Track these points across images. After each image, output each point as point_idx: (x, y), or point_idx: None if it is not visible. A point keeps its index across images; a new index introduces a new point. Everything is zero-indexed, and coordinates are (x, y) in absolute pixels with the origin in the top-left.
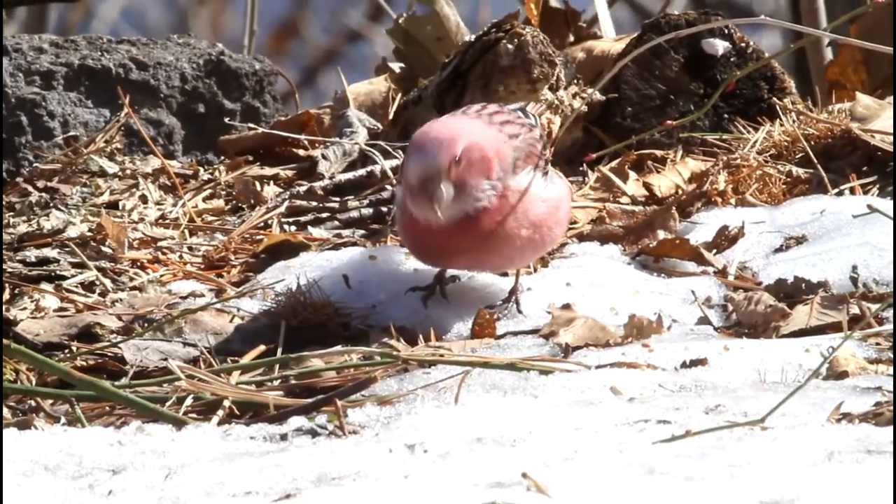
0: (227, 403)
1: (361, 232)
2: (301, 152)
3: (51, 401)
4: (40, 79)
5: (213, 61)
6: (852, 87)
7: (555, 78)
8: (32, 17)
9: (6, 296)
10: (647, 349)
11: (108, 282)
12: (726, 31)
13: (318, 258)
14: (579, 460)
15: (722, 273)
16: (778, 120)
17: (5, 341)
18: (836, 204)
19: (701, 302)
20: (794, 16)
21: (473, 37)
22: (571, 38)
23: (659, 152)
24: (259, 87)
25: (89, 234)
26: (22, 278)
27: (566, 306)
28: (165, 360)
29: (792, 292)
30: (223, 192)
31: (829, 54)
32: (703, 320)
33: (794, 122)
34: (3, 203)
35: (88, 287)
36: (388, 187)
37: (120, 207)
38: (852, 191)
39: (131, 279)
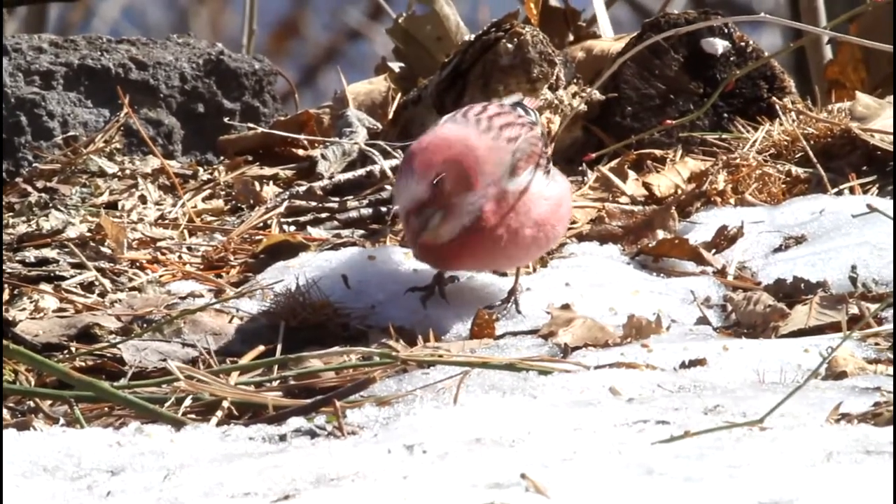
0: (225, 404)
1: (361, 232)
2: (300, 152)
3: (50, 401)
4: (40, 79)
5: (212, 61)
6: (852, 86)
7: (554, 77)
8: (32, 16)
9: (5, 296)
10: (646, 349)
11: (107, 282)
12: (726, 31)
13: (318, 258)
14: (578, 461)
15: (721, 273)
16: (777, 119)
17: (4, 342)
18: (836, 203)
19: (700, 302)
20: (794, 15)
21: (473, 36)
22: (571, 38)
23: (658, 152)
24: (258, 86)
25: (88, 234)
26: (21, 279)
27: (565, 306)
28: (164, 360)
29: (791, 292)
30: (222, 193)
31: (828, 53)
32: (702, 320)
33: (793, 121)
34: (3, 203)
35: (87, 287)
36: (388, 187)
37: (119, 208)
38: (852, 190)
39: (130, 279)
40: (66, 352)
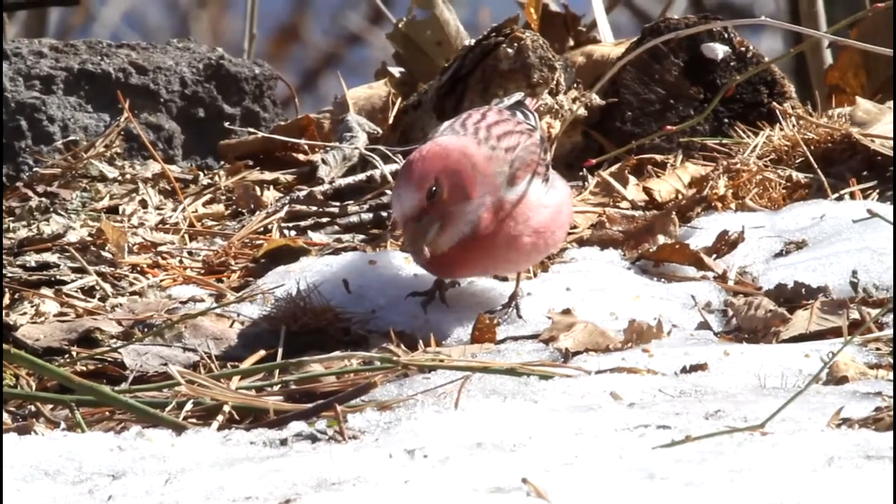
0: (226, 408)
1: (361, 236)
2: (301, 157)
3: (51, 406)
4: (40, 83)
5: (212, 66)
6: (852, 91)
7: (554, 82)
8: (33, 20)
9: (6, 301)
10: (647, 354)
11: (107, 287)
12: (726, 36)
13: (318, 263)
14: (579, 465)
15: (722, 278)
16: (778, 124)
17: (5, 346)
18: (836, 209)
19: (701, 307)
20: (794, 21)
21: (473, 41)
22: (571, 43)
23: (659, 157)
24: (259, 91)
25: (89, 238)
26: (22, 283)
27: (566, 311)
28: (165, 365)
29: (792, 297)
30: (223, 197)
31: (828, 59)
32: (703, 325)
33: (793, 126)
34: (4, 208)
35: (88, 292)
36: (388, 192)
37: (120, 212)
38: (852, 195)
39: (131, 284)
40: (66, 356)
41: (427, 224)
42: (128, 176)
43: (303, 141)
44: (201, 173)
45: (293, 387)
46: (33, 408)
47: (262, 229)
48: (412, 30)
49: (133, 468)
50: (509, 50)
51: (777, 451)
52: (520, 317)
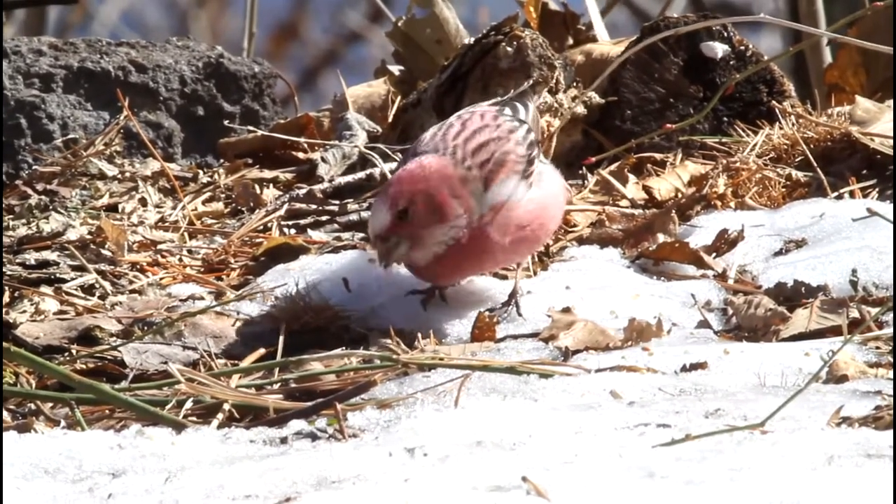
0: (226, 407)
1: (361, 235)
2: (300, 155)
3: (51, 404)
4: (39, 81)
5: (212, 64)
6: (851, 90)
7: (554, 81)
8: (32, 18)
9: (6, 299)
10: (646, 353)
11: (107, 285)
12: (725, 35)
13: (318, 261)
14: (579, 464)
15: (722, 276)
16: (777, 123)
17: (5, 344)
18: (836, 207)
19: (701, 305)
20: (793, 20)
21: (472, 39)
22: (570, 41)
23: (658, 155)
24: (258, 89)
25: (89, 236)
26: (21, 281)
27: (566, 310)
28: (165, 363)
29: (792, 296)
30: (223, 195)
31: (828, 57)
32: (703, 324)
33: (793, 125)
34: (3, 206)
35: (88, 290)
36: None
37: (119, 210)
38: (852, 194)
39: (131, 282)
40: (66, 354)
41: (394, 244)
42: (127, 174)
43: (302, 139)
44: (201, 171)
45: (293, 385)
46: (33, 406)
47: (261, 227)
48: (412, 28)
49: (133, 466)
50: (509, 48)
51: (777, 450)
52: (520, 315)
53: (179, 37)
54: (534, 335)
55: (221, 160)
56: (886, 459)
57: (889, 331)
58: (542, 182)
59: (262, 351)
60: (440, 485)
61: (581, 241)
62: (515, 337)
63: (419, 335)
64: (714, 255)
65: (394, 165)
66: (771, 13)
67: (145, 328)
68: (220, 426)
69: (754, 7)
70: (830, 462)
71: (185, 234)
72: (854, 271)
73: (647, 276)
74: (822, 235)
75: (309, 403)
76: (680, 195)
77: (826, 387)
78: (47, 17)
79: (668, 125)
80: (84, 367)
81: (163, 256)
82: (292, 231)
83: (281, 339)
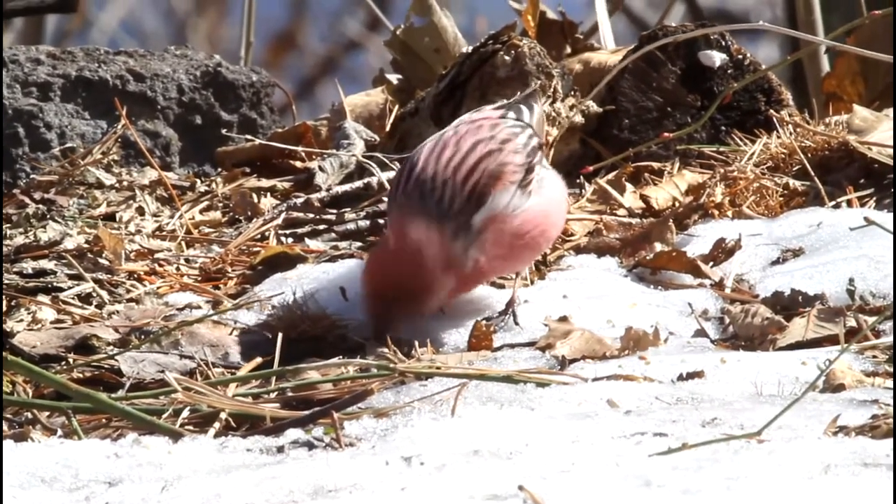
0: (223, 416)
1: (358, 244)
2: (298, 164)
3: (47, 413)
4: (37, 90)
5: (210, 73)
6: (849, 99)
7: (552, 90)
8: (30, 27)
9: (3, 307)
10: (643, 362)
11: (104, 294)
12: (723, 43)
13: (315, 270)
14: (576, 473)
15: (719, 285)
16: (775, 132)
17: (2, 353)
18: (833, 216)
19: (698, 314)
20: (791, 28)
21: (470, 48)
22: (568, 50)
23: (656, 164)
24: (256, 98)
25: (86, 245)
26: (19, 290)
27: (563, 319)
28: (162, 372)
29: (789, 305)
30: (220, 204)
31: (826, 66)
32: (700, 333)
33: (791, 134)
34: (1, 215)
35: (85, 299)
36: (385, 199)
37: (117, 219)
38: (849, 203)
39: (128, 291)
40: (63, 363)
41: (391, 320)
42: (125, 183)
43: (300, 148)
44: (198, 180)
45: (290, 394)
46: (30, 415)
47: (259, 236)
48: (410, 37)
49: (130, 475)
50: (506, 57)
51: (774, 459)
52: (517, 324)
53: (177, 45)
54: (531, 344)
55: (219, 169)
56: (883, 468)
57: (886, 340)
58: (542, 189)
59: (259, 360)
60: (437, 494)
61: (578, 250)
62: (512, 346)
63: (416, 344)
64: (711, 264)
65: (391, 174)
66: (769, 22)
67: (142, 337)
68: (216, 435)
69: (752, 16)
70: (827, 471)
71: (183, 243)
72: (851, 280)
73: (644, 285)
74: (820, 244)
75: (306, 412)
76: (677, 204)
77: (823, 396)
78: (45, 26)
79: (666, 134)
80: (81, 375)
81: (160, 265)
82: (290, 240)
83: (278, 348)
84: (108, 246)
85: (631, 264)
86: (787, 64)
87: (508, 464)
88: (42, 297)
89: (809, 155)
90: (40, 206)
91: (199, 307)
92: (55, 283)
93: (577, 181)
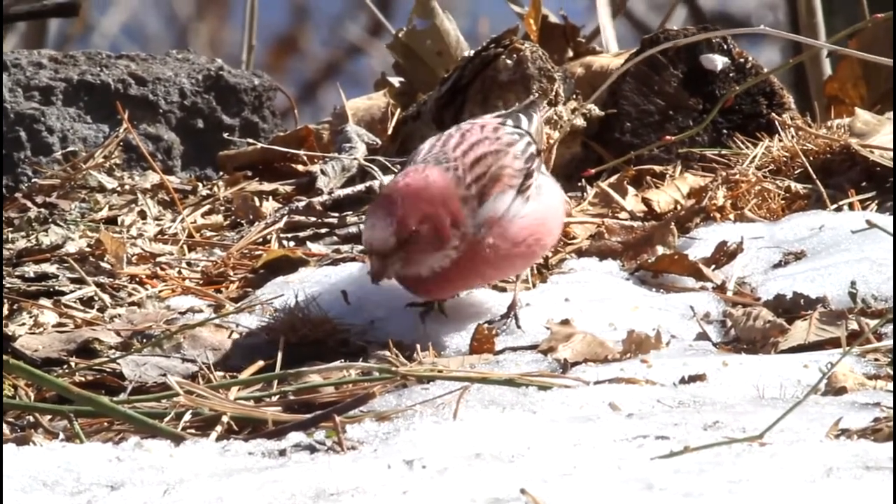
0: (225, 419)
1: (360, 247)
2: (300, 168)
3: (49, 416)
4: (39, 94)
5: (211, 77)
6: (851, 102)
7: (554, 93)
8: (32, 31)
9: (5, 311)
10: (645, 365)
11: (106, 297)
12: (725, 47)
13: (317, 274)
14: (578, 476)
15: (721, 288)
16: (777, 135)
17: (4, 357)
18: (835, 219)
19: (700, 317)
20: (793, 32)
21: (472, 52)
22: (570, 54)
23: (658, 168)
24: (258, 102)
25: (88, 249)
26: (20, 294)
27: (565, 322)
28: (164, 375)
29: (791, 308)
30: (222, 208)
31: (827, 70)
32: (702, 336)
33: (792, 137)
34: (3, 218)
35: (87, 302)
36: None
37: (119, 223)
38: (851, 206)
39: (130, 295)
40: (65, 367)
41: (393, 262)
42: (127, 187)
43: (302, 152)
44: (200, 184)
45: (292, 397)
46: (32, 418)
47: (260, 240)
48: (412, 39)
49: (131, 479)
50: (508, 61)
51: (776, 462)
52: (518, 327)
53: (179, 49)
54: (533, 347)
55: (221, 173)
56: (885, 471)
57: (888, 343)
58: (540, 196)
59: (260, 363)
60: (439, 497)
61: (580, 253)
62: (514, 349)
63: (418, 347)
64: (713, 267)
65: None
66: (771, 26)
67: (144, 340)
68: (218, 438)
69: (754, 19)
70: (829, 474)
71: (185, 247)
72: (853, 283)
73: (646, 289)
74: (822, 247)
75: (308, 416)
76: (679, 207)
77: (825, 399)
78: (48, 30)
79: (668, 137)
80: (83, 379)
81: (162, 269)
82: (291, 243)
83: (280, 351)
84: (109, 249)
85: (633, 267)
86: (789, 67)
87: (510, 467)
88: (44, 301)
89: (811, 158)
90: (42, 209)
91: (200, 311)
92: (57, 287)
93: (579, 184)
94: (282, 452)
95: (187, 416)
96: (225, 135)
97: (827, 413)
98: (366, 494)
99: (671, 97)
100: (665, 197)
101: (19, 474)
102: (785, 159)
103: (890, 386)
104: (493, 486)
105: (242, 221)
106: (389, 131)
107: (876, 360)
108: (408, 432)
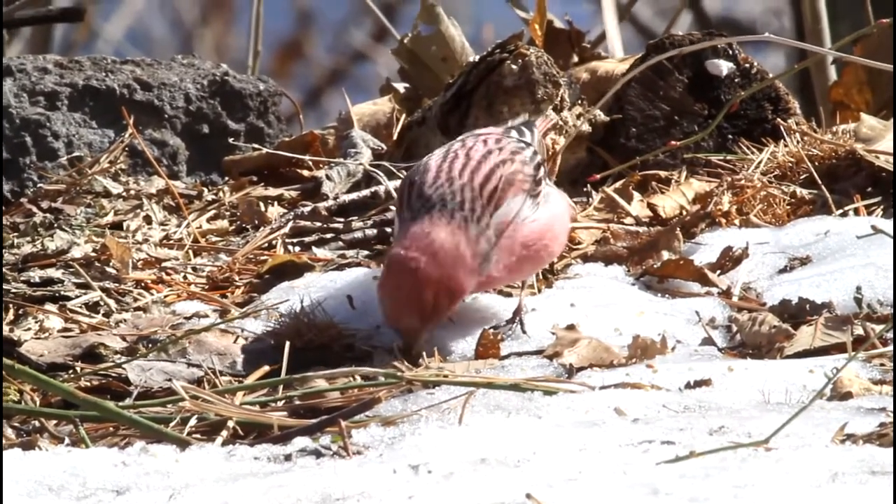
0: (231, 424)
1: (365, 252)
2: (305, 173)
3: (55, 421)
4: (45, 99)
5: (217, 82)
6: (857, 107)
7: (559, 98)
8: (37, 36)
9: (10, 316)
10: (651, 370)
11: (112, 302)
12: (730, 52)
13: (322, 279)
14: (583, 481)
15: (726, 294)
16: (782, 141)
17: (10, 362)
18: (841, 225)
19: (705, 323)
20: (799, 37)
21: (477, 57)
22: (576, 59)
23: (663, 173)
24: (263, 107)
25: (93, 254)
26: (26, 299)
27: (570, 327)
28: (169, 380)
29: (796, 313)
30: (227, 213)
31: (833, 75)
32: (708, 341)
33: (798, 142)
34: (8, 223)
35: (92, 307)
36: (392, 208)
37: (124, 228)
38: (856, 212)
39: (135, 300)
40: (71, 372)
41: (423, 333)
42: (132, 192)
43: (307, 157)
44: (205, 189)
45: (297, 402)
46: (37, 423)
47: (266, 245)
48: (417, 45)
49: (137, 484)
50: (513, 66)
51: (781, 467)
52: (524, 332)
53: (184, 55)
54: (538, 352)
55: (226, 178)
56: (891, 476)
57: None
58: (548, 203)
59: (266, 368)
60: (444, 502)
61: (585, 258)
62: (520, 354)
63: (423, 352)
64: (718, 272)
65: (398, 183)
66: (776, 31)
67: (149, 345)
68: (224, 443)
69: (759, 24)
70: (834, 479)
71: (190, 252)
72: (858, 288)
73: (651, 294)
74: (827, 253)
75: (313, 420)
76: (684, 213)
77: (830, 404)
78: (53, 35)
79: (673, 142)
80: (88, 384)
81: (167, 274)
82: (297, 249)
83: (285, 356)
84: (115, 255)
85: (638, 273)
86: (794, 72)
87: (516, 472)
88: (49, 306)
89: (817, 163)
90: (48, 214)
91: (206, 316)
92: (63, 292)
93: (585, 189)
94: (287, 457)
95: (193, 421)
96: (230, 140)
97: (832, 418)
98: (371, 499)
99: (676, 102)
100: (670, 202)
101: (25, 479)
102: (790, 165)
103: None
104: (499, 491)
105: (248, 226)
106: (395, 136)
107: (881, 365)
108: (413, 437)
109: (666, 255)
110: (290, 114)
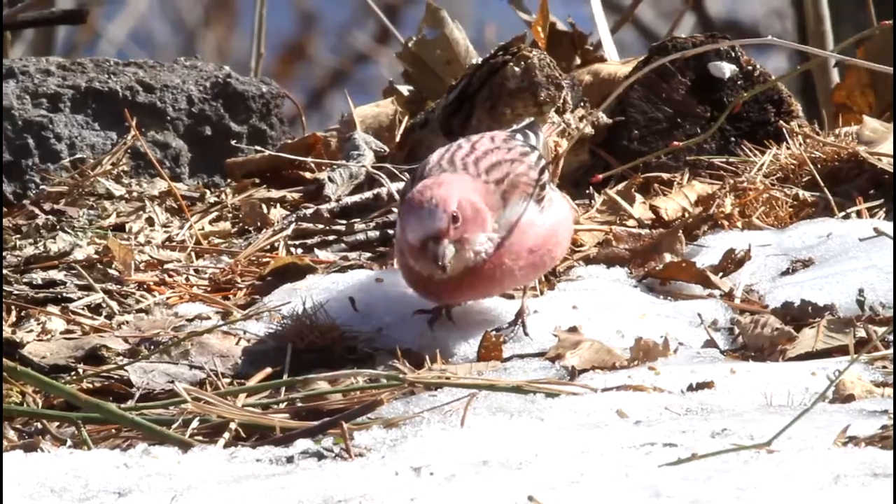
0: (233, 426)
1: (368, 254)
2: (308, 175)
3: (57, 423)
4: (47, 101)
5: (219, 84)
6: (859, 110)
7: (561, 101)
8: (40, 38)
9: (13, 318)
10: (653, 372)
11: (114, 304)
12: (733, 54)
13: (325, 281)
14: (585, 483)
15: (728, 296)
16: (784, 143)
17: (12, 364)
18: (843, 227)
19: (707, 325)
20: (801, 39)
21: (480, 60)
22: (578, 61)
23: (665, 175)
24: (266, 109)
25: (96, 256)
26: (28, 301)
27: (572, 329)
28: (172, 382)
29: (798, 315)
30: (230, 215)
31: (835, 77)
32: (710, 343)
33: (800, 145)
34: (11, 225)
35: (95, 309)
36: (395, 210)
37: (126, 230)
38: (859, 214)
39: (138, 302)
40: (73, 373)
41: (445, 247)
42: (134, 194)
43: (309, 159)
44: (208, 191)
45: (299, 404)
46: (39, 425)
47: (268, 247)
48: (422, 49)
49: (139, 485)
50: (516, 68)
51: (783, 469)
52: (526, 334)
53: (187, 57)
54: (540, 354)
55: (229, 180)
56: (892, 479)
57: None
58: (552, 207)
59: (268, 370)
60: None
61: (588, 260)
62: (522, 356)
63: (426, 355)
64: (721, 274)
65: (401, 185)
66: (779, 33)
67: (152, 347)
68: (226, 445)
69: (762, 26)
70: (837, 481)
71: (192, 254)
72: (861, 291)
73: (653, 296)
74: (829, 255)
75: (315, 423)
76: (687, 215)
77: (832, 406)
78: (55, 37)
79: (676, 144)
80: (90, 386)
81: (170, 276)
82: (299, 250)
83: (287, 358)
84: (117, 256)
85: (640, 275)
86: (796, 74)
87: (518, 474)
88: (52, 308)
89: (819, 166)
90: (50, 216)
91: (208, 318)
92: (65, 294)
93: (587, 192)
94: (289, 459)
95: (195, 423)
96: (233, 142)
97: (835, 420)
98: (373, 501)
99: (679, 105)
100: (673, 204)
101: (27, 481)
102: (793, 167)
103: None
104: (501, 494)
105: (250, 228)
106: (397, 139)
107: (884, 367)
108: (415, 439)
109: (668, 257)
110: (292, 116)
